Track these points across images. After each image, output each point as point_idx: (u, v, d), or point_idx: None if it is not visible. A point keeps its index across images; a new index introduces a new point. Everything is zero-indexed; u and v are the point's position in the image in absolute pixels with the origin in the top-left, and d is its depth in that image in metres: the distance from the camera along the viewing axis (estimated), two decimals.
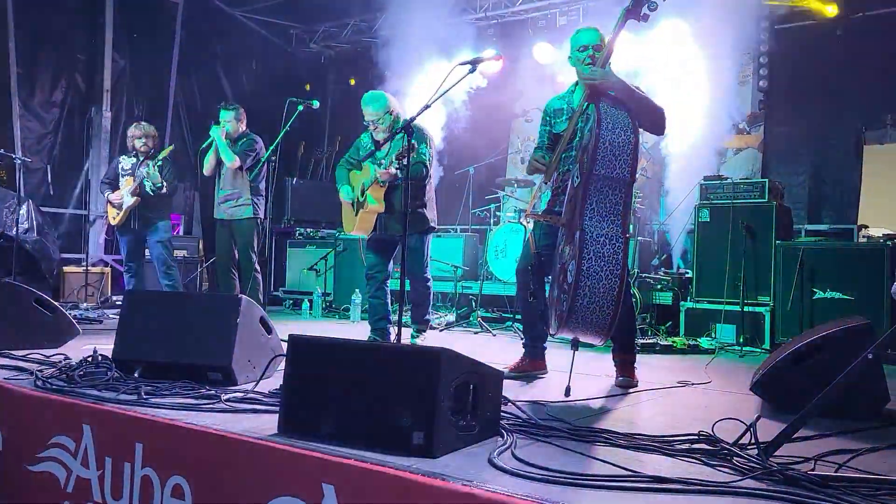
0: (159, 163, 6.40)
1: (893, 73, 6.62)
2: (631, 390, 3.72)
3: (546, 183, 3.68)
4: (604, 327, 3.28)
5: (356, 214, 5.15)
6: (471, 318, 7.11)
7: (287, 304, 8.66)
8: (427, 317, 5.41)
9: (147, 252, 6.71)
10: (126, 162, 6.61)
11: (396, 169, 4.84)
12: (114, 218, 6.53)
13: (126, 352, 3.47)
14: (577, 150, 3.59)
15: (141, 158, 6.52)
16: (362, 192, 5.06)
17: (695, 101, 7.51)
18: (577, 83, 3.96)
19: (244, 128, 6.21)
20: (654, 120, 3.70)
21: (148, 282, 7.00)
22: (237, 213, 6.06)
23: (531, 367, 4.05)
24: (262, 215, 6.09)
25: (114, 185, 6.58)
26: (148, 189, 6.35)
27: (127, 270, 6.62)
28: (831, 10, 7.16)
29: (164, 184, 6.37)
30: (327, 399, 2.43)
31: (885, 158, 7.18)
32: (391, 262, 5.31)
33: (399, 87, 8.99)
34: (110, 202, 6.54)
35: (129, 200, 6.40)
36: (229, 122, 6.10)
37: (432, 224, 5.21)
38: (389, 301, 5.28)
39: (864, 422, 2.90)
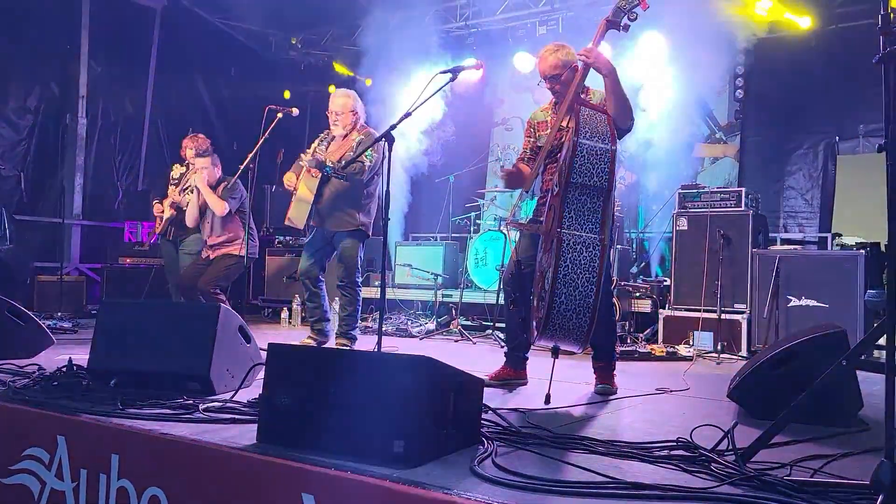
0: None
1: (866, 84, 6.74)
2: (610, 397, 3.74)
3: (526, 192, 3.70)
4: (581, 335, 3.27)
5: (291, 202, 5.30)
6: (451, 327, 7.11)
7: (266, 312, 8.60)
8: (353, 332, 5.21)
9: None
10: (176, 171, 6.54)
11: (332, 164, 4.94)
12: (157, 227, 6.53)
13: (102, 361, 3.43)
14: (560, 161, 3.61)
15: (189, 170, 6.45)
16: (297, 178, 5.16)
17: (672, 110, 7.59)
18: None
19: (220, 172, 6.13)
20: (628, 112, 3.71)
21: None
22: (225, 251, 5.96)
23: (512, 375, 4.05)
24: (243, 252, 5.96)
25: (164, 193, 6.52)
26: (183, 207, 6.25)
27: (170, 281, 6.54)
28: (805, 23, 7.28)
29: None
30: (307, 408, 2.42)
31: (858, 168, 7.31)
32: (323, 268, 5.33)
33: (378, 94, 9.00)
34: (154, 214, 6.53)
35: (167, 213, 6.39)
36: (206, 168, 6.00)
37: (363, 228, 5.14)
38: (327, 302, 5.32)
39: (839, 427, 2.94)
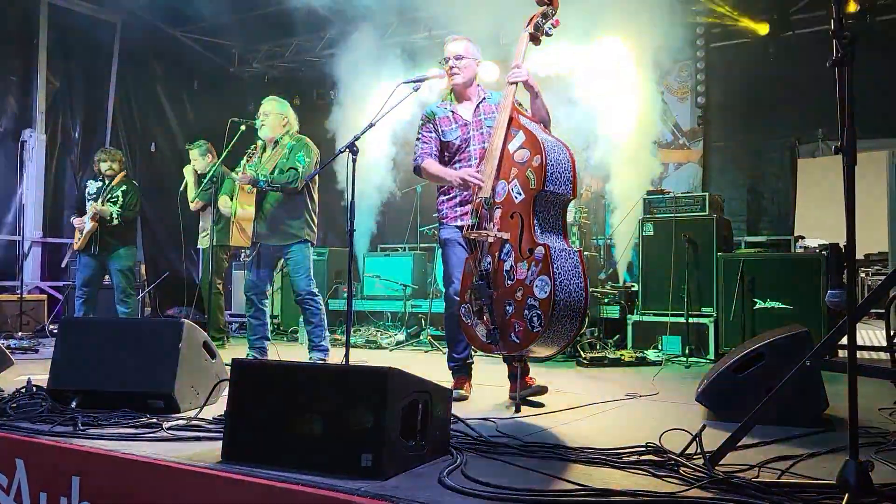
0: (123, 186, 6.46)
1: (823, 89, 6.84)
2: (581, 404, 3.71)
3: (485, 198, 3.65)
4: (569, 338, 3.39)
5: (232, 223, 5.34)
6: (420, 337, 7.08)
7: (233, 327, 8.49)
8: (323, 343, 5.11)
9: (107, 278, 6.68)
10: (92, 186, 6.59)
11: (265, 177, 4.92)
12: (76, 242, 6.48)
13: (62, 381, 3.35)
14: (508, 165, 3.59)
15: (107, 183, 6.51)
16: (231, 197, 5.15)
17: (635, 118, 7.67)
18: (451, 91, 4.02)
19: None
20: (550, 124, 3.82)
21: (102, 310, 6.78)
22: None
23: (470, 384, 4.03)
24: None
25: (81, 210, 6.54)
26: (106, 217, 6.32)
27: (79, 296, 6.51)
28: (763, 30, 7.42)
29: (115, 215, 6.32)
30: (272, 423, 2.38)
31: (818, 171, 7.45)
32: (270, 282, 5.27)
33: (343, 105, 8.99)
34: (75, 227, 6.50)
35: (88, 225, 6.35)
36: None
37: (308, 238, 5.08)
38: (268, 320, 5.25)
39: (805, 428, 2.98)
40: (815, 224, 7.12)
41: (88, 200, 6.48)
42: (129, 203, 6.43)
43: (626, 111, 7.71)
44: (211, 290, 6.60)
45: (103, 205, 6.32)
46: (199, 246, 7.17)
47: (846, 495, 1.75)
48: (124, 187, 6.46)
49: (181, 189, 6.74)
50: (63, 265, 7.73)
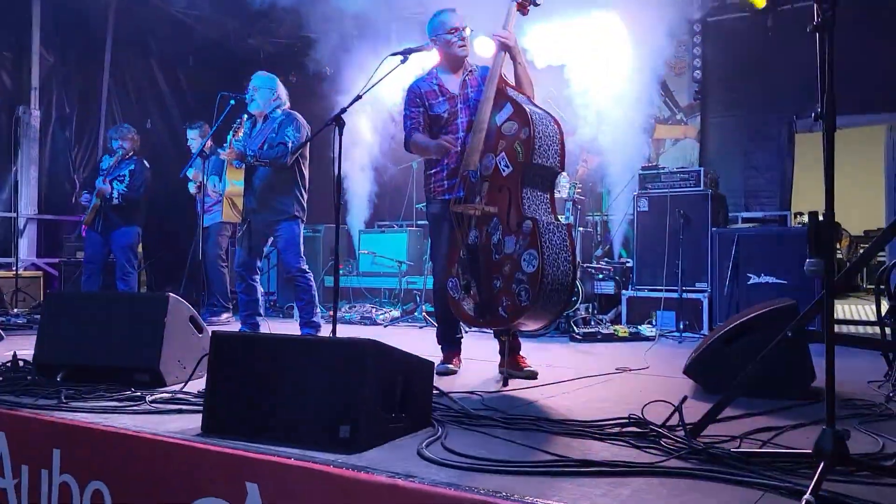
0: (131, 165, 6.49)
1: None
2: (568, 378, 3.70)
3: (472, 171, 3.61)
4: (557, 312, 3.41)
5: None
6: (416, 313, 7.07)
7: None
8: (315, 318, 5.08)
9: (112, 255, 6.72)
10: (105, 161, 6.64)
11: (253, 152, 4.91)
12: (86, 218, 6.54)
13: (48, 355, 3.35)
14: (496, 138, 3.55)
15: (115, 160, 6.55)
16: (220, 176, 5.11)
17: (631, 92, 7.59)
18: (439, 65, 3.98)
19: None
20: (533, 95, 3.80)
21: (109, 286, 6.77)
22: None
23: (458, 360, 4.03)
24: None
25: (91, 185, 6.57)
26: (106, 195, 6.34)
27: (84, 271, 6.59)
28: (760, 3, 7.32)
29: (117, 195, 6.33)
30: (252, 395, 2.37)
31: (817, 146, 7.34)
32: (260, 258, 5.22)
33: (340, 83, 8.90)
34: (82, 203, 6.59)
35: (94, 201, 6.40)
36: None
37: (297, 213, 5.03)
38: (260, 295, 5.20)
39: (792, 400, 2.96)
40: (814, 199, 7.05)
41: (100, 175, 6.51)
42: (134, 184, 6.43)
43: (623, 86, 7.62)
44: (205, 266, 6.58)
45: (106, 182, 6.36)
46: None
47: (822, 463, 1.73)
48: (133, 167, 6.48)
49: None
50: (74, 237, 7.75)
